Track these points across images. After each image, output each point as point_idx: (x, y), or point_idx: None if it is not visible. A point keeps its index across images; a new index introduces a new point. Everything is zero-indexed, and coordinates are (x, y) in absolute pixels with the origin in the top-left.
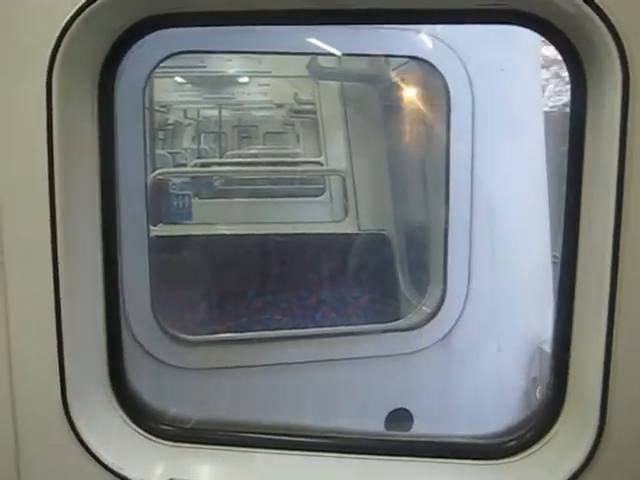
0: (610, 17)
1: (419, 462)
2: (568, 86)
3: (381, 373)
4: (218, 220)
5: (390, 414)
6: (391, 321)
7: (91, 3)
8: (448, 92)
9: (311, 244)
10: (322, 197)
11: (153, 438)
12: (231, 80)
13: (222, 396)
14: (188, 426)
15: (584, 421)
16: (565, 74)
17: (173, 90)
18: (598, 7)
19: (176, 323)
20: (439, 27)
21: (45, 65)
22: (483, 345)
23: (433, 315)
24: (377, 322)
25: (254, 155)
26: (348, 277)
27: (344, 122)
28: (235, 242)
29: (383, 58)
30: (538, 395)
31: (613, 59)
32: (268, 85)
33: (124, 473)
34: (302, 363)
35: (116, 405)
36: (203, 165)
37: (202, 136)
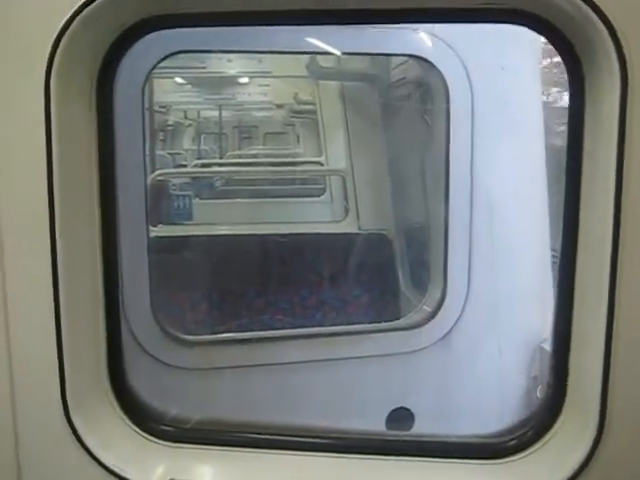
0: (609, 17)
1: (419, 462)
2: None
3: (382, 372)
4: (218, 220)
5: (391, 413)
6: (391, 320)
7: (90, 3)
8: (447, 91)
9: (311, 244)
10: (322, 197)
11: (153, 439)
12: (231, 81)
13: (222, 396)
14: (188, 426)
15: (584, 420)
16: None
17: (173, 91)
18: (597, 7)
19: (176, 323)
20: (438, 26)
21: (44, 65)
22: (483, 344)
23: (433, 314)
24: (377, 321)
25: (254, 155)
26: (348, 277)
27: (344, 122)
28: (235, 242)
29: (383, 57)
30: (539, 394)
31: (611, 59)
32: (268, 86)
33: (124, 474)
34: (302, 363)
35: (116, 406)
36: (203, 166)
37: (202, 137)
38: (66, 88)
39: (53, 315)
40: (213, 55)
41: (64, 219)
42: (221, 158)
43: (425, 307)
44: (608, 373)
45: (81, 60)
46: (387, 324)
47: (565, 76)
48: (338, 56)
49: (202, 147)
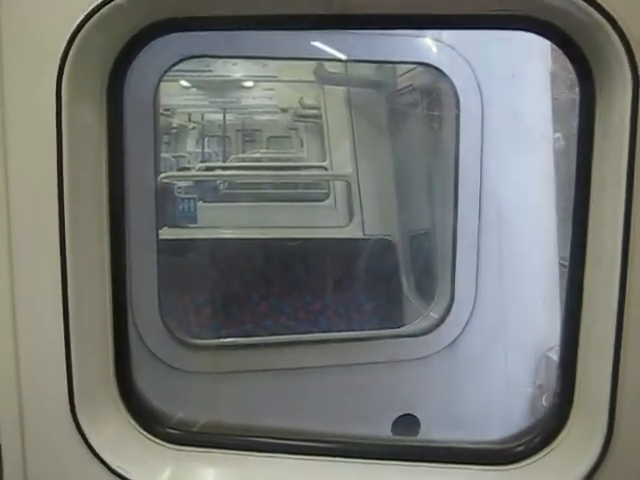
0: (620, 23)
1: (425, 467)
2: None
3: (388, 379)
4: (222, 224)
5: (397, 420)
6: (394, 327)
7: (103, 6)
8: (457, 98)
9: (316, 249)
10: (326, 202)
11: (159, 441)
12: (236, 84)
13: (229, 400)
14: (194, 430)
15: (592, 427)
16: None
17: (178, 94)
18: (607, 13)
19: (183, 327)
20: (446, 33)
21: (56, 67)
22: (490, 352)
23: (441, 321)
24: (381, 328)
25: (258, 159)
26: (353, 282)
27: (350, 127)
28: (240, 246)
29: (390, 64)
30: (544, 402)
31: (623, 65)
32: (273, 89)
33: (130, 476)
34: (308, 368)
35: (122, 408)
36: (208, 169)
37: (206, 140)
38: (77, 90)
39: (61, 316)
40: (219, 59)
41: (74, 221)
42: (224, 161)
43: (432, 314)
44: (616, 380)
45: (93, 63)
46: (394, 330)
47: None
48: (345, 62)
49: (206, 150)
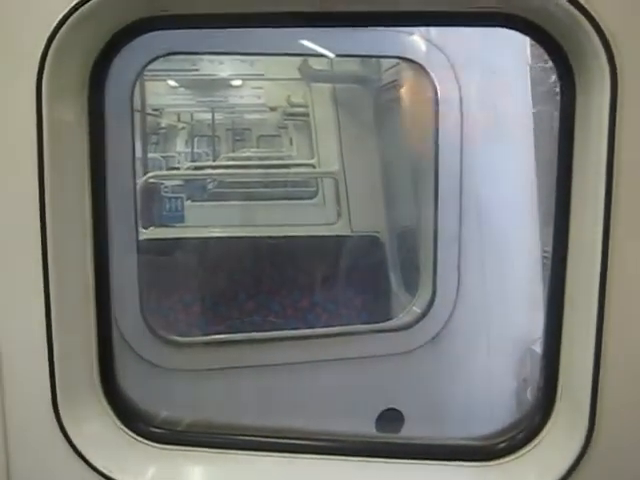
0: (598, 20)
1: (410, 464)
2: None
3: (372, 373)
4: (210, 223)
5: (381, 414)
6: (383, 322)
7: (81, 5)
8: (436, 93)
9: (304, 246)
10: (315, 199)
11: (143, 440)
12: (224, 83)
13: (213, 398)
14: (178, 428)
15: (574, 422)
16: None
17: (166, 93)
18: (586, 10)
19: (166, 325)
20: (428, 28)
21: (35, 65)
22: (473, 345)
23: (423, 315)
24: (368, 322)
25: (248, 158)
26: (341, 278)
27: (336, 124)
28: (227, 245)
29: (375, 60)
30: (529, 396)
31: (601, 62)
32: (261, 88)
33: (113, 476)
34: (293, 364)
35: (106, 407)
36: (196, 168)
37: (195, 139)
38: (58, 89)
39: (44, 315)
40: (205, 58)
41: (55, 220)
42: (214, 161)
43: (415, 308)
44: (598, 375)
45: (73, 61)
46: (377, 325)
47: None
48: (330, 58)
49: (195, 150)
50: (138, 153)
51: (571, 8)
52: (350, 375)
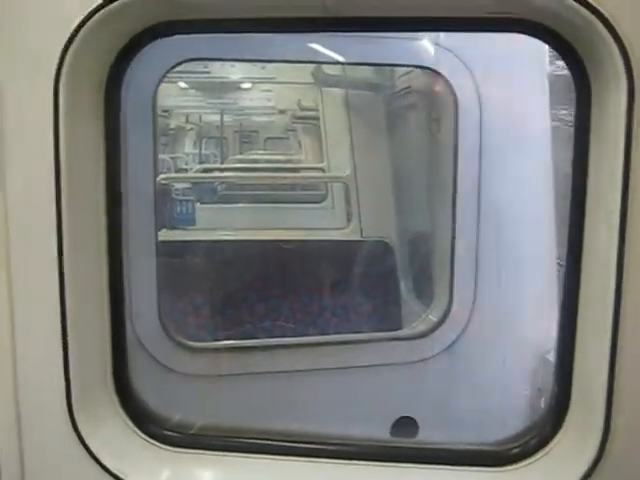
0: (614, 25)
1: (423, 469)
2: None
3: (386, 381)
4: (220, 225)
5: (395, 422)
6: (392, 329)
7: (100, 9)
8: (456, 101)
9: (314, 251)
10: (324, 204)
11: (156, 443)
12: (234, 86)
13: (227, 403)
14: (192, 432)
15: (588, 429)
16: None
17: (176, 95)
18: (603, 16)
19: (181, 329)
20: (443, 35)
21: (53, 70)
22: (488, 354)
23: (439, 324)
24: (379, 330)
25: (255, 160)
26: (350, 284)
27: (348, 129)
28: (237, 248)
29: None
30: (543, 405)
31: (618, 68)
32: (271, 91)
33: (126, 478)
34: (307, 371)
35: (120, 410)
36: (205, 170)
37: (204, 141)
38: (74, 95)
39: (59, 318)
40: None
41: (71, 225)
42: (222, 162)
43: (431, 317)
44: (613, 382)
45: (90, 66)
46: (392, 333)
47: None
48: (342, 64)
49: (203, 151)
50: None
51: (586, 12)
52: (365, 383)
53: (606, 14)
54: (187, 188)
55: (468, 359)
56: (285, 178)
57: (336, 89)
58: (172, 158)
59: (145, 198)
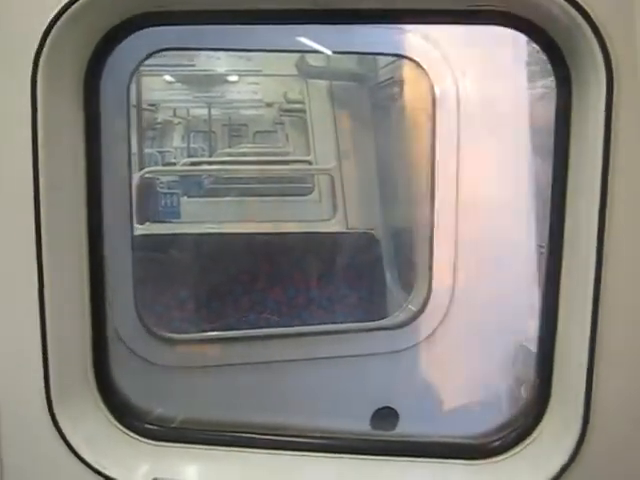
0: (595, 19)
1: (405, 462)
2: None
3: (367, 371)
4: (206, 219)
5: (375, 412)
6: (378, 319)
7: (75, 1)
8: (433, 90)
9: (299, 243)
10: (310, 196)
11: (137, 437)
12: (220, 79)
13: (207, 395)
14: (172, 425)
15: (568, 420)
16: None
17: (162, 89)
18: (583, 9)
19: (161, 322)
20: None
21: (30, 62)
22: (468, 343)
23: (419, 314)
24: (365, 321)
25: (244, 154)
26: (336, 276)
27: (333, 121)
28: (223, 241)
29: (371, 57)
30: (523, 393)
31: (597, 59)
32: (258, 84)
33: (107, 472)
34: (288, 361)
35: (100, 403)
36: (192, 164)
37: (192, 135)
38: (53, 85)
39: (38, 311)
40: (202, 53)
41: (50, 215)
42: (210, 156)
43: (410, 306)
44: (592, 374)
45: (68, 57)
46: (373, 323)
47: None
48: (327, 55)
49: (192, 145)
50: (134, 148)
51: (568, 6)
52: (345, 373)
53: (586, 7)
54: (173, 182)
55: (448, 348)
56: (272, 171)
57: (321, 81)
58: (160, 152)
59: (122, 191)
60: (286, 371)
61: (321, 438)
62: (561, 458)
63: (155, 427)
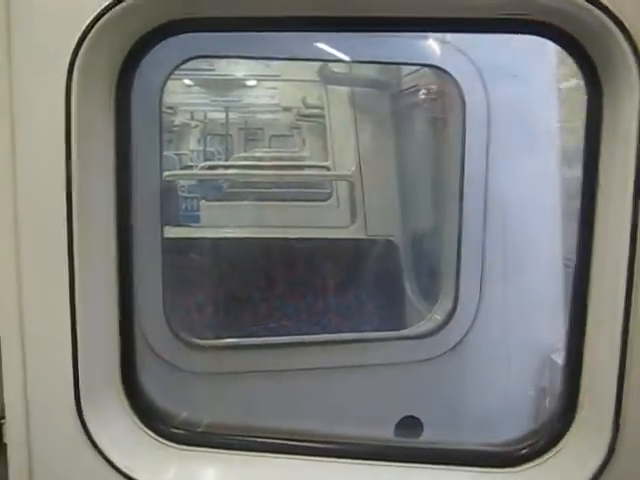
0: (628, 27)
1: (430, 469)
2: None
3: (391, 381)
4: (224, 223)
5: (399, 422)
6: (396, 329)
7: (112, 7)
8: (463, 100)
9: (318, 249)
10: (329, 202)
11: (164, 441)
12: (239, 83)
13: (232, 401)
14: (199, 430)
15: (597, 431)
16: None
17: (181, 92)
18: (617, 19)
19: (187, 327)
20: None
21: (65, 68)
22: (494, 354)
23: (445, 324)
24: (383, 329)
25: (260, 158)
26: (355, 283)
27: (354, 127)
28: (242, 245)
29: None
30: (548, 405)
31: (631, 72)
32: (275, 89)
33: (135, 475)
34: (312, 369)
35: (128, 408)
36: (210, 167)
37: (208, 138)
38: (87, 89)
39: (69, 317)
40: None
41: (81, 219)
42: (226, 160)
43: (436, 316)
44: (622, 383)
45: (102, 62)
46: (398, 333)
47: None
48: (349, 62)
49: (208, 148)
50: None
51: (601, 15)
52: (370, 382)
53: (620, 17)
54: (192, 185)
55: (474, 359)
56: (290, 176)
57: (341, 87)
58: (177, 155)
59: (152, 195)
60: (310, 379)
61: (344, 444)
62: (591, 467)
63: (181, 431)
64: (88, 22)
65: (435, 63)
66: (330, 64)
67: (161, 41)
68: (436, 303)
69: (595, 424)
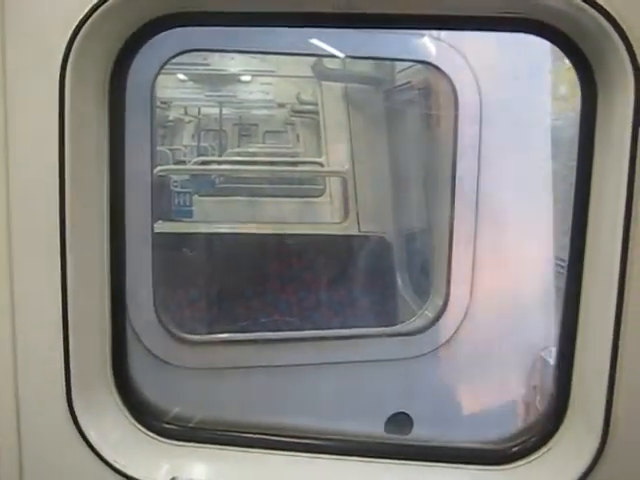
0: (622, 25)
1: (421, 466)
2: None
3: (382, 377)
4: (217, 218)
5: (390, 418)
6: (388, 325)
7: (105, 1)
8: (456, 96)
9: (311, 245)
10: (322, 198)
11: (156, 437)
12: (233, 78)
13: (224, 396)
14: (190, 425)
15: (587, 429)
16: None
17: (174, 87)
18: (612, 18)
19: (178, 322)
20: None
21: (59, 62)
22: (484, 351)
23: (435, 320)
24: (375, 325)
25: (254, 154)
26: (347, 279)
27: (347, 123)
28: (234, 241)
29: (388, 61)
30: (538, 404)
31: (626, 72)
32: (270, 84)
33: (126, 471)
34: (303, 365)
35: (119, 403)
36: (204, 163)
37: (202, 133)
38: (80, 83)
39: (60, 312)
40: (216, 53)
41: (74, 213)
42: (220, 155)
43: (427, 313)
44: (613, 384)
45: (96, 55)
46: (388, 329)
47: None
48: (343, 58)
49: (202, 144)
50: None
51: (596, 14)
52: (360, 378)
53: (615, 16)
54: (185, 180)
55: (464, 356)
56: (283, 172)
57: (336, 83)
58: (170, 150)
59: (143, 190)
60: (301, 375)
61: (336, 440)
62: (580, 466)
63: (173, 427)
64: (82, 16)
65: (428, 60)
66: (324, 60)
67: (155, 35)
68: (427, 300)
69: (585, 424)
